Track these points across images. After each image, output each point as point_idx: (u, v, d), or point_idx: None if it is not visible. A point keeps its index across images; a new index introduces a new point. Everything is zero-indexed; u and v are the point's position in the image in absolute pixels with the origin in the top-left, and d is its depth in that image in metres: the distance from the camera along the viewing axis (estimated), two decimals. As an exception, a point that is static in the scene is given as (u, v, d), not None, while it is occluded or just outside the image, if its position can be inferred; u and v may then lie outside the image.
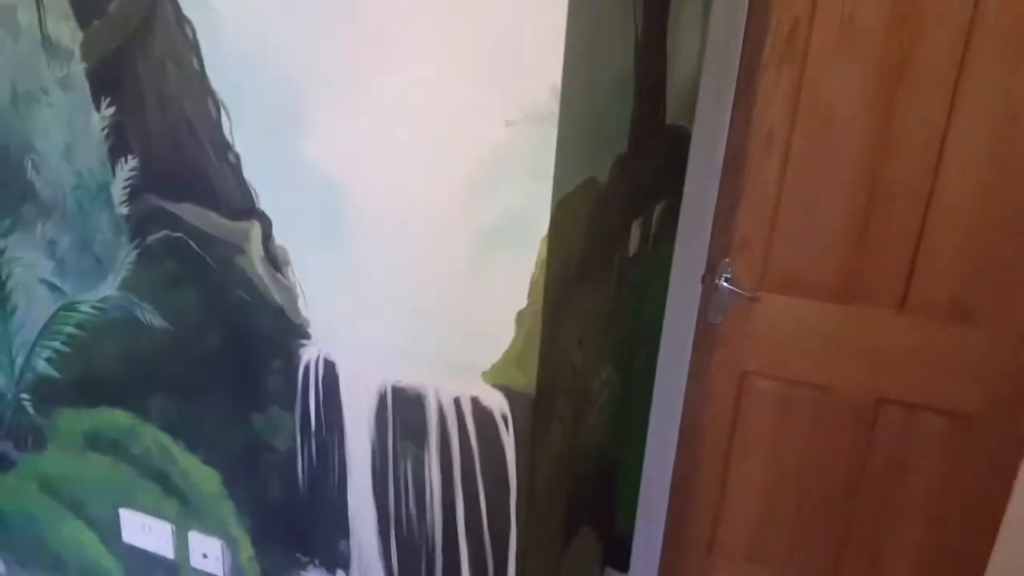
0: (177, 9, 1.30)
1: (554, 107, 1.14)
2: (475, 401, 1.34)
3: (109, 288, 1.53)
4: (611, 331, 1.79)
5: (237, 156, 1.35)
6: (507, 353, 1.29)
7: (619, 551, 2.30)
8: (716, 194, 1.86)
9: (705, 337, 1.99)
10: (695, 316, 1.97)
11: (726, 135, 1.82)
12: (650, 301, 2.04)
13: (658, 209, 1.96)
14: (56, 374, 1.67)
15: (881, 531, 1.97)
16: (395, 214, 1.29)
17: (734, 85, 1.78)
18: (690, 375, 2.04)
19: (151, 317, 1.52)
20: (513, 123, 1.16)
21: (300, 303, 1.41)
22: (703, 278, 1.93)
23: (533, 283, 1.23)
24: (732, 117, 1.80)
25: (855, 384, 1.86)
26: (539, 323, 1.25)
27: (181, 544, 1.68)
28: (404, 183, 1.26)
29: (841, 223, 1.77)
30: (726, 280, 1.90)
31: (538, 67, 1.13)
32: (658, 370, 2.07)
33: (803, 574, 2.06)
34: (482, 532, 1.41)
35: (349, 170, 1.29)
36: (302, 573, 1.60)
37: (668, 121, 1.86)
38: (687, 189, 1.89)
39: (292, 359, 1.45)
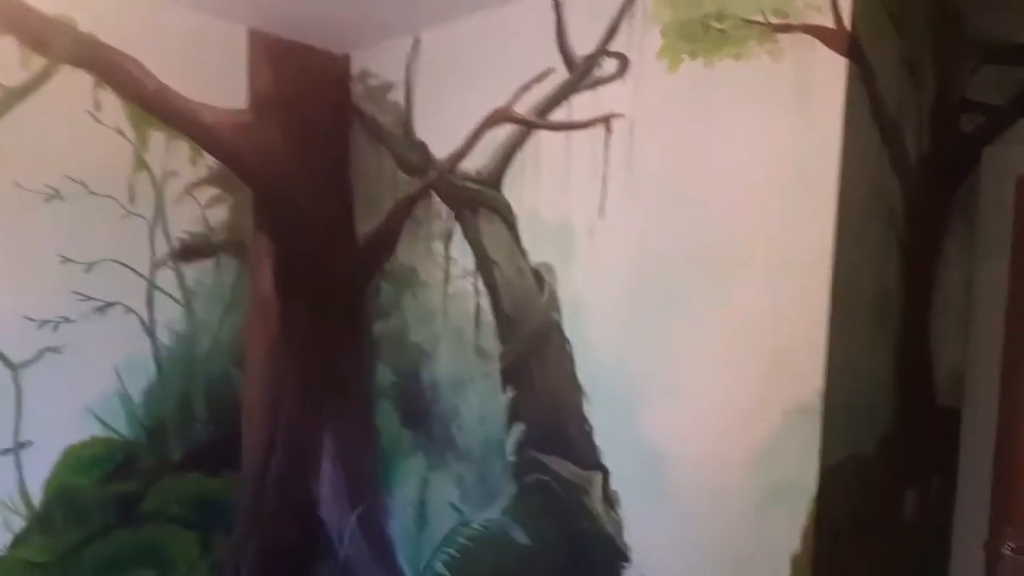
0: (562, 335, 2.06)
1: (818, 405, 1.61)
2: (762, 629, 1.69)
3: (494, 512, 2.21)
4: (891, 589, 2.00)
5: (590, 426, 2.00)
6: (786, 590, 1.65)
7: None
8: (992, 468, 2.06)
9: (999, 609, 2.05)
10: (984, 585, 2.07)
11: (996, 417, 2.06)
12: (935, 565, 2.19)
13: (935, 480, 2.19)
14: (447, 573, 2.34)
15: None
16: (698, 473, 1.79)
17: (999, 375, 2.06)
18: (989, 649, 2.08)
19: (519, 535, 2.15)
20: (790, 416, 1.65)
21: (625, 534, 1.93)
22: (985, 545, 2.06)
23: (804, 533, 1.62)
24: (1000, 402, 2.06)
25: None
26: (809, 567, 1.61)
27: None
28: (706, 451, 1.78)
29: None
30: (1010, 549, 2.01)
31: (806, 377, 1.63)
32: (953, 640, 2.14)
33: None
34: None
35: (667, 440, 1.85)
36: None
37: (940, 403, 2.16)
38: (962, 463, 2.12)
39: (617, 578, 1.94)
